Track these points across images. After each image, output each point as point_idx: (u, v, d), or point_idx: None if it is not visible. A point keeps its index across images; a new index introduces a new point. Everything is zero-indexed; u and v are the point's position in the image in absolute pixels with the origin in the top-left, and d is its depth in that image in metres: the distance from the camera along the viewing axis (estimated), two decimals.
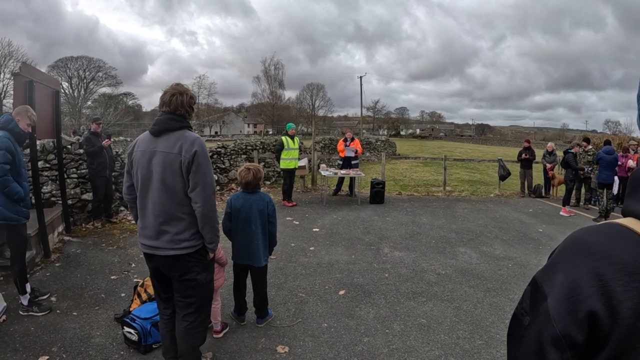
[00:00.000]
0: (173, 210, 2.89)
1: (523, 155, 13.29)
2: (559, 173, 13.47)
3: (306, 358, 3.78)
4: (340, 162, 12.25)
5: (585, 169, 11.13)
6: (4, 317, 4.39)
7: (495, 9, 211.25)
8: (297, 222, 8.83)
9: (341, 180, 12.25)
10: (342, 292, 5.23)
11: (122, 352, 3.79)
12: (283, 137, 10.71)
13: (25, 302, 4.49)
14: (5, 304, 4.54)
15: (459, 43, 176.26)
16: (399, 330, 4.29)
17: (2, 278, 5.29)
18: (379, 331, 4.27)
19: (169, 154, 2.82)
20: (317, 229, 8.30)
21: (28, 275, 4.89)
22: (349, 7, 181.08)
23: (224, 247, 4.24)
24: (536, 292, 0.78)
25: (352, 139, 12.38)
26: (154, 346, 3.78)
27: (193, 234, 2.95)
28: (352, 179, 12.02)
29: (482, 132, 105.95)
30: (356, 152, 12.28)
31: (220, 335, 4.06)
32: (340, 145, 12.28)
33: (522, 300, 0.82)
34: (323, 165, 12.40)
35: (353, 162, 12.28)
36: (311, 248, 7.04)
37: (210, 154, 12.88)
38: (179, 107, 2.96)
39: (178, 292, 3.14)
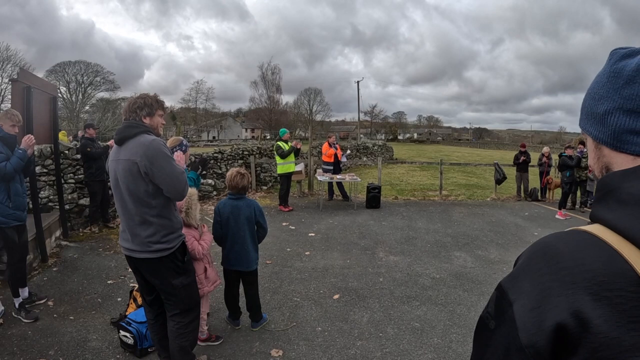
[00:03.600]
0: (141, 214, 2.95)
1: (521, 159, 13.35)
2: (555, 177, 13.54)
3: None
4: (330, 168, 12.15)
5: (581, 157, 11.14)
6: (0, 320, 4.43)
7: (493, 11, 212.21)
8: (293, 227, 8.87)
9: (331, 185, 12.33)
10: (336, 297, 5.27)
11: (118, 356, 3.83)
12: (279, 143, 10.77)
13: (16, 305, 4.56)
14: (2, 307, 4.59)
15: (457, 46, 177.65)
16: (393, 334, 4.33)
17: None
18: (373, 335, 4.31)
19: (127, 160, 2.89)
20: (313, 234, 8.34)
21: (26, 280, 4.94)
22: (345, 11, 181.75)
23: (214, 253, 4.30)
24: (501, 297, 0.76)
25: (336, 143, 12.46)
26: (149, 350, 3.82)
27: (164, 236, 3.01)
28: (339, 183, 12.10)
29: (480, 136, 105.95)
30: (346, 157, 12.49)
31: (202, 344, 4.01)
32: (329, 150, 12.18)
33: (488, 305, 0.81)
34: (319, 170, 12.44)
35: (341, 165, 12.48)
36: (307, 253, 7.08)
37: (206, 156, 12.90)
38: (125, 113, 3.09)
39: (161, 294, 3.24)
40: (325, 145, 12.51)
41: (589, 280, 0.65)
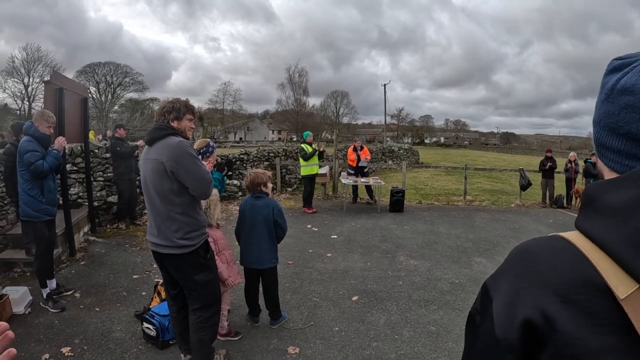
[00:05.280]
0: (166, 211, 3.11)
1: (547, 165, 13.19)
2: (581, 183, 13.34)
3: (315, 359, 3.91)
4: (351, 172, 12.30)
5: None
6: (29, 309, 4.64)
7: (520, 13, 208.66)
8: (316, 229, 8.95)
9: (355, 188, 12.36)
10: (355, 298, 5.33)
11: (140, 347, 3.99)
12: (303, 145, 10.91)
13: (44, 296, 4.78)
14: (31, 297, 4.81)
15: (484, 49, 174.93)
16: (408, 337, 4.37)
17: (28, 274, 5.60)
18: (388, 337, 4.36)
19: (155, 160, 3.06)
20: (335, 236, 8.40)
21: (54, 272, 5.16)
22: (372, 13, 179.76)
23: (237, 252, 4.44)
24: (484, 295, 0.82)
25: (362, 148, 12.49)
26: (170, 342, 3.96)
27: (187, 233, 3.15)
28: (368, 187, 12.12)
29: (507, 141, 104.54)
30: (368, 161, 12.56)
31: (222, 339, 4.13)
32: (352, 155, 12.32)
33: (476, 301, 0.86)
34: (344, 174, 12.50)
35: (365, 170, 12.53)
36: (328, 254, 7.15)
37: (232, 158, 13.06)
38: (156, 116, 3.29)
39: (184, 288, 3.38)
40: (350, 149, 12.62)
41: (558, 283, 0.70)
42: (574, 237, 0.75)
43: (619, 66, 0.78)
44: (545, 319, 0.68)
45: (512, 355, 0.73)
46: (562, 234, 0.78)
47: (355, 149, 12.32)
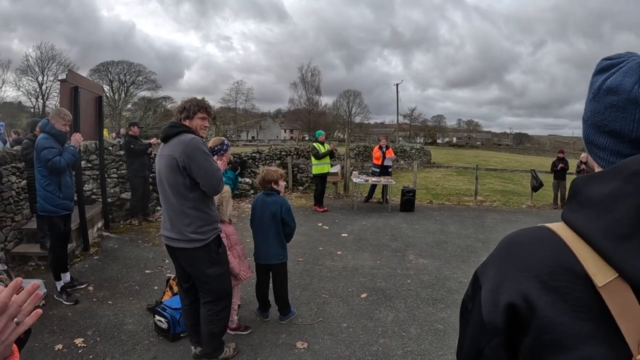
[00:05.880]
0: (179, 205, 3.22)
1: (559, 166, 13.11)
2: None
3: (323, 354, 3.95)
4: (376, 170, 12.34)
5: None
6: (43, 302, 4.75)
7: (533, 12, 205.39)
8: (327, 227, 8.99)
9: (373, 187, 12.36)
10: (363, 295, 5.36)
11: (151, 339, 4.08)
12: (314, 144, 10.97)
13: (58, 288, 4.90)
14: (45, 290, 4.92)
15: (497, 48, 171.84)
16: (415, 334, 4.40)
17: (43, 267, 5.76)
18: (396, 334, 4.40)
19: (168, 156, 3.18)
20: (346, 234, 8.44)
21: (68, 266, 5.27)
22: (384, 12, 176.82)
23: (249, 249, 4.50)
24: (475, 282, 0.86)
25: (387, 147, 12.51)
26: (181, 335, 4.05)
27: (199, 227, 3.26)
28: (384, 186, 12.15)
29: (520, 142, 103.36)
30: (393, 159, 12.58)
31: (232, 333, 4.19)
32: (377, 153, 12.36)
33: (468, 289, 0.90)
34: (355, 173, 12.51)
35: (389, 169, 12.56)
36: (338, 252, 7.19)
37: (246, 158, 13.15)
38: (172, 115, 3.48)
39: (196, 282, 3.49)
40: (376, 148, 12.69)
41: (540, 270, 0.73)
42: (559, 227, 0.78)
43: (606, 67, 0.82)
44: (527, 303, 0.72)
45: (497, 338, 0.77)
46: (547, 224, 0.81)
47: (380, 148, 12.38)
